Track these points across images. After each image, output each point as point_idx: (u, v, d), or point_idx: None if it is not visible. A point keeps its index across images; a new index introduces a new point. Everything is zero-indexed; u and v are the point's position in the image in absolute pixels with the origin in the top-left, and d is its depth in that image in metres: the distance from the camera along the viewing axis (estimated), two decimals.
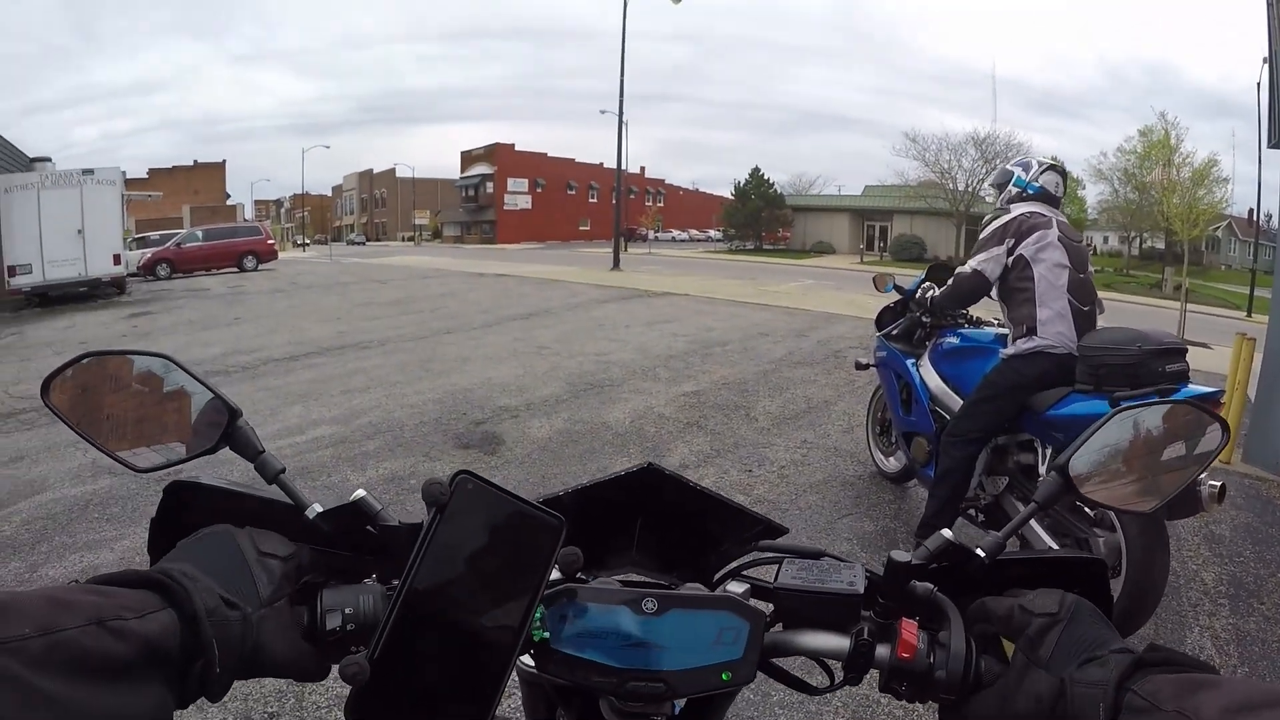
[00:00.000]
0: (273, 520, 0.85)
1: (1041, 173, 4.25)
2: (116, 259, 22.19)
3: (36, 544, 4.80)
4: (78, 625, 0.53)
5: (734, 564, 0.93)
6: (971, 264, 4.20)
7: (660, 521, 0.91)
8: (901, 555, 0.81)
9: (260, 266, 32.86)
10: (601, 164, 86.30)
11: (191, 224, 50.70)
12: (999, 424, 4.01)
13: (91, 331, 15.55)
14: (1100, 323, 4.08)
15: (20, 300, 21.25)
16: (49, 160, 25.89)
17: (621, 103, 31.48)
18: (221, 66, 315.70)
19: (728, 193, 66.78)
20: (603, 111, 43.26)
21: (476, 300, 17.88)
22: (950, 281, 4.50)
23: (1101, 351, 3.59)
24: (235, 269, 31.93)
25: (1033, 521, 3.64)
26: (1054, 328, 3.86)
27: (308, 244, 77.98)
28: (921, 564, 0.82)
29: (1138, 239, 64.94)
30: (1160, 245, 58.68)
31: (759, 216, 60.01)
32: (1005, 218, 4.15)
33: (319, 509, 0.85)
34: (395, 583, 0.75)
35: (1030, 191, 4.23)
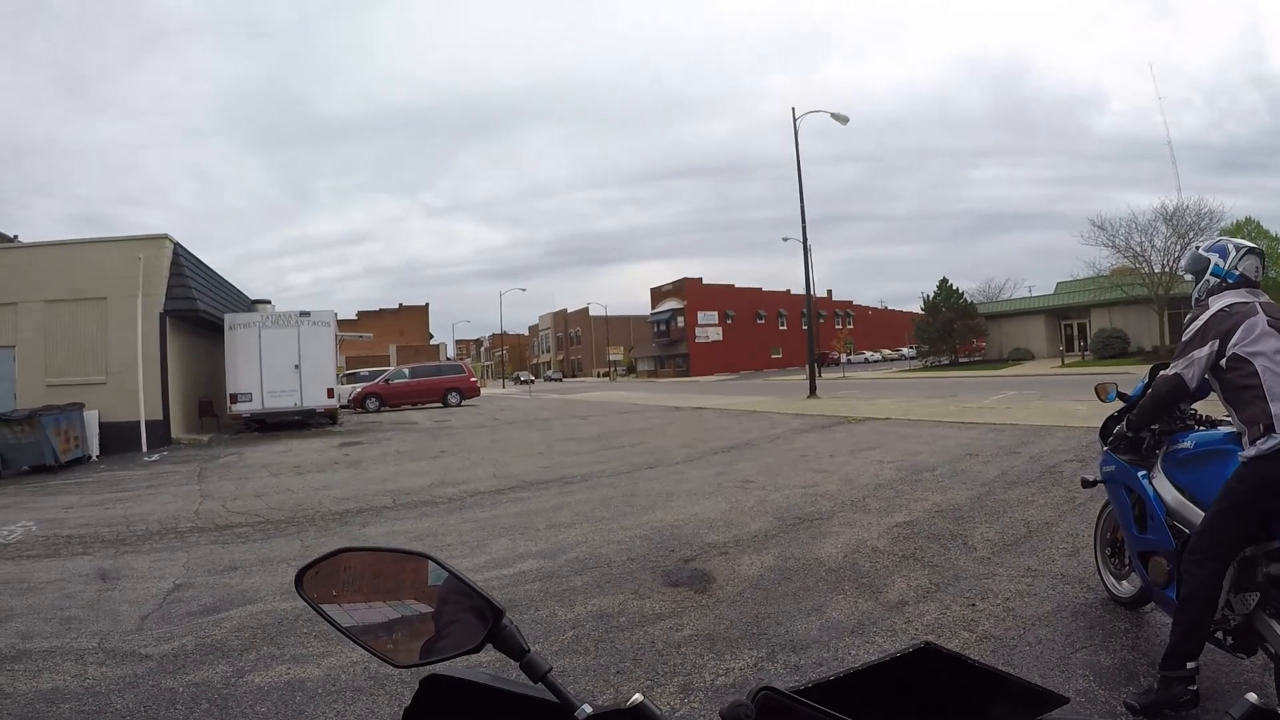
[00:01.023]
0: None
1: (1241, 258, 3.97)
2: (330, 392, 24.33)
3: (245, 651, 5.10)
4: None
5: None
6: (1173, 366, 3.97)
7: (930, 695, 0.88)
8: None
9: (464, 402, 34.45)
10: (788, 290, 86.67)
11: (398, 362, 53.72)
12: (1245, 535, 3.65)
13: (305, 457, 16.60)
14: None
15: (240, 424, 23.64)
16: (269, 302, 28.52)
17: (804, 226, 31.71)
18: (419, 219, 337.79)
19: (917, 308, 65.66)
20: (785, 239, 43.66)
21: (676, 434, 18.06)
22: (1150, 387, 4.30)
23: None
24: (440, 404, 33.66)
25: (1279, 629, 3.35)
26: None
27: (520, 378, 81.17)
28: None
29: None
30: None
31: (951, 329, 58.54)
32: (1205, 315, 3.89)
33: (589, 710, 0.84)
34: None
35: (1230, 280, 3.95)
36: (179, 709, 4.24)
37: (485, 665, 0.95)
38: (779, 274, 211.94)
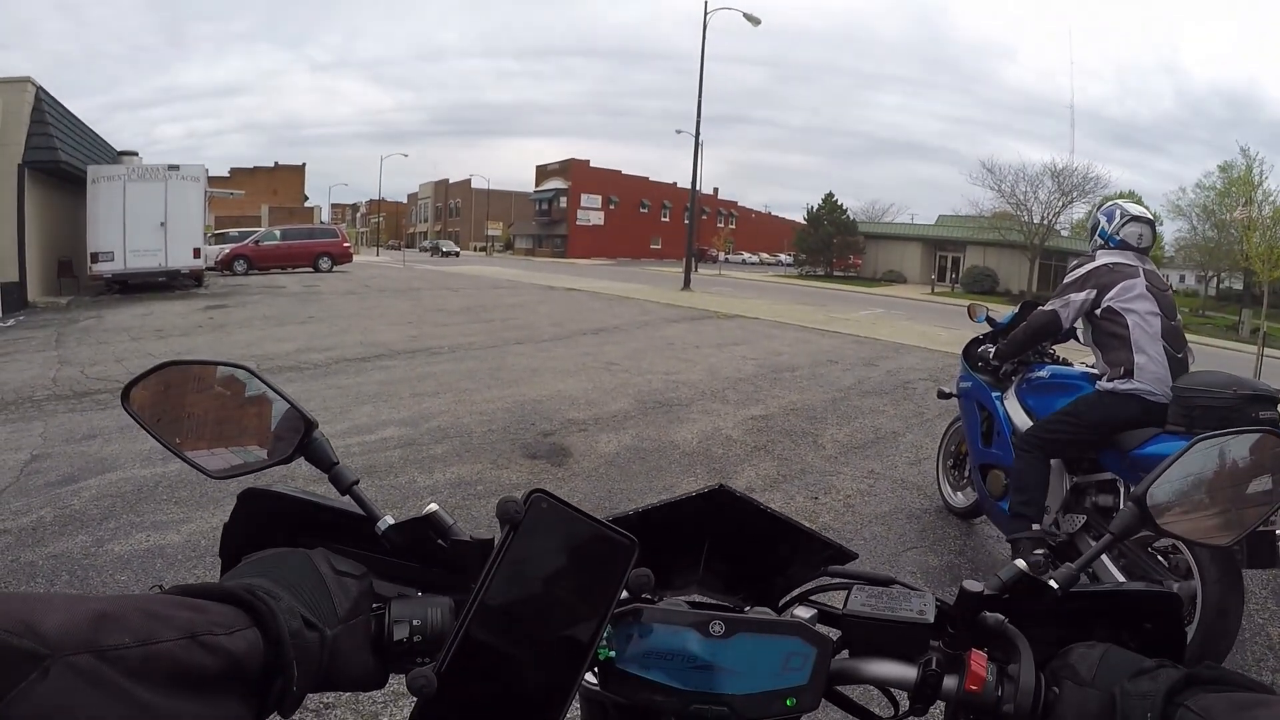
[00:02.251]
0: (345, 530, 0.88)
1: (1124, 224, 4.30)
2: (196, 253, 23.06)
3: (104, 520, 5.00)
4: (173, 638, 0.54)
5: (802, 588, 0.92)
6: (1052, 303, 4.29)
7: (728, 543, 0.90)
8: (974, 585, 0.79)
9: (335, 268, 33.52)
10: (675, 183, 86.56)
11: (270, 224, 51.89)
12: (1074, 446, 4.10)
13: (168, 320, 15.99)
14: (1191, 369, 4.09)
15: (101, 285, 22.16)
16: (136, 154, 26.76)
17: (698, 124, 31.52)
18: (303, 74, 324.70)
19: (800, 217, 66.53)
20: (678, 132, 43.30)
21: (547, 313, 18.05)
22: (1026, 320, 4.56)
23: (1196, 393, 3.62)
24: (311, 269, 32.63)
25: (1108, 562, 3.68)
26: (1151, 372, 3.91)
27: (395, 246, 79.57)
28: (994, 594, 0.80)
29: (1215, 279, 63.10)
30: (1239, 286, 56.88)
31: (831, 243, 59.66)
32: (1089, 265, 4.26)
33: (390, 521, 0.86)
34: (463, 597, 0.76)
35: (1111, 244, 4.30)
36: (39, 582, 4.10)
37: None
38: (668, 165, 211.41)
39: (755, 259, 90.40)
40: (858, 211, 67.13)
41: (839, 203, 61.52)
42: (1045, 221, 51.42)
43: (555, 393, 8.78)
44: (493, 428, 7.25)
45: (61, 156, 20.16)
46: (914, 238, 62.06)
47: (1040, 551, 3.97)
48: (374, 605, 0.81)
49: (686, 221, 38.08)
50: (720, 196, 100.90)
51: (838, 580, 0.91)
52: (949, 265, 58.85)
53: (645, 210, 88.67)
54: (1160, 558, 3.59)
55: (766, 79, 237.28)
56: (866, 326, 18.68)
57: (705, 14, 29.73)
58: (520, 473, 5.97)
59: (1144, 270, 4.16)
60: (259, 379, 0.96)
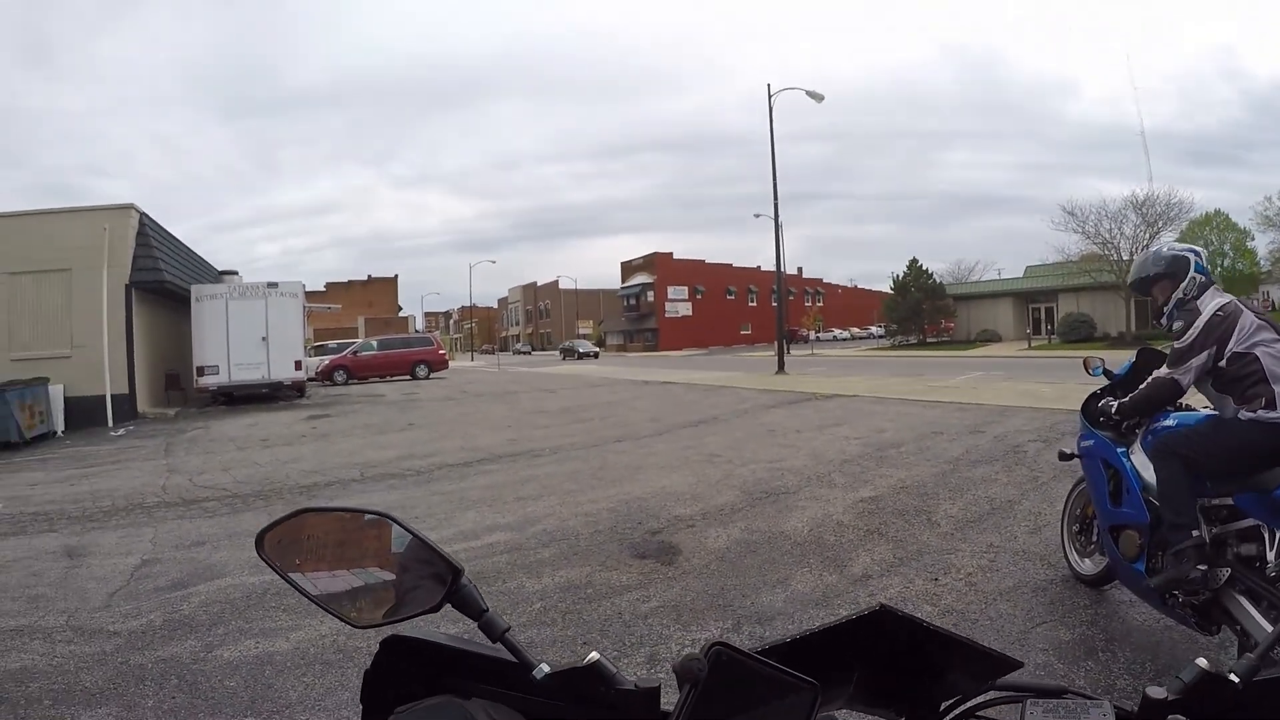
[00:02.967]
0: (496, 677, 0.87)
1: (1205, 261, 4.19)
2: (298, 365, 24.08)
3: (213, 626, 5.08)
4: None
5: (970, 703, 0.90)
6: (1173, 373, 4.09)
7: (887, 658, 0.89)
8: (1157, 692, 0.77)
9: (432, 375, 34.37)
10: (759, 267, 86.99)
11: (366, 334, 53.46)
12: (1211, 461, 3.82)
13: (273, 430, 16.49)
14: None
15: (207, 398, 23.26)
16: (236, 273, 28.16)
17: (776, 206, 31.77)
18: (388, 189, 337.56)
19: (886, 287, 66.01)
20: (757, 216, 43.51)
21: (644, 408, 18.09)
22: (1145, 384, 4.35)
23: None
24: (408, 377, 33.57)
25: (1254, 613, 3.48)
26: None
27: (489, 350, 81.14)
28: (1178, 698, 0.77)
29: None
30: None
31: (920, 309, 58.93)
32: (1202, 321, 4.00)
33: (547, 669, 0.86)
34: None
35: (1211, 282, 4.13)
36: (148, 685, 4.20)
37: (448, 629, 0.95)
38: (749, 250, 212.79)
39: (846, 334, 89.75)
40: (944, 274, 66.68)
41: (924, 267, 60.96)
42: (1135, 257, 50.21)
43: (659, 489, 8.73)
44: (599, 528, 7.22)
45: (165, 276, 21.53)
46: (1004, 293, 61.03)
47: (1203, 567, 3.66)
48: None
49: (774, 304, 38.12)
50: (805, 275, 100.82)
51: (1009, 694, 0.89)
52: (1043, 316, 57.60)
53: (732, 297, 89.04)
54: None
55: (833, 152, 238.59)
56: (967, 392, 18.29)
57: (770, 97, 30.13)
58: (630, 574, 5.91)
59: (1241, 302, 4.00)
60: (401, 525, 0.98)
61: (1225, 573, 3.70)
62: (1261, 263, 56.63)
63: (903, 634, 0.87)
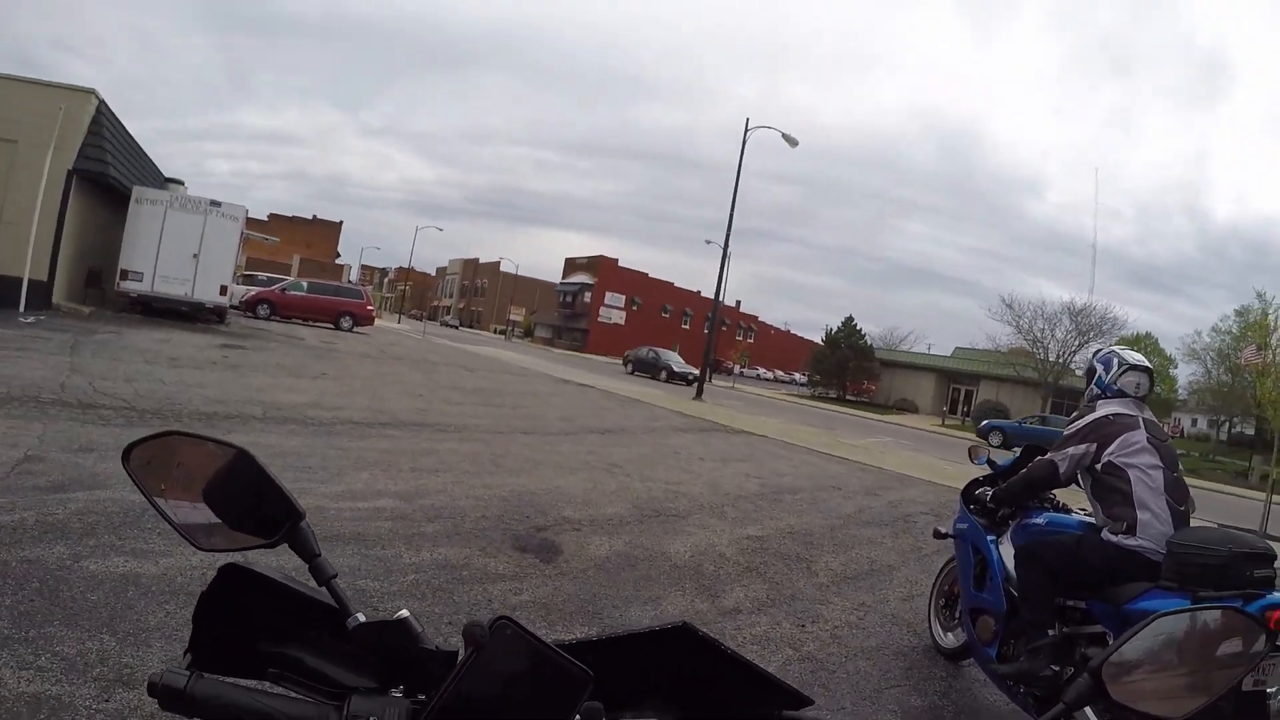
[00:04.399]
0: (315, 620, 0.92)
1: (1122, 373, 4.35)
2: (224, 290, 23.59)
3: (84, 536, 4.95)
4: None
5: None
6: (1053, 455, 4.31)
7: (687, 678, 0.93)
8: None
9: (355, 328, 33.95)
10: (699, 292, 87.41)
11: (299, 274, 52.56)
12: (1069, 573, 4.01)
13: (184, 351, 16.10)
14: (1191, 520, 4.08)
15: (125, 303, 22.70)
16: (182, 183, 27.41)
17: (728, 237, 32.01)
18: (354, 136, 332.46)
19: (819, 337, 66.95)
20: (708, 242, 44.13)
21: (557, 406, 18.06)
22: (1027, 466, 4.58)
23: (1190, 551, 3.58)
24: (331, 325, 33.08)
25: (1091, 714, 3.51)
26: (1154, 529, 3.86)
27: (417, 316, 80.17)
28: None
29: (1228, 424, 62.98)
30: (1251, 431, 56.65)
31: (847, 366, 59.87)
32: (1090, 416, 4.27)
33: (361, 619, 0.90)
34: (422, 702, 0.81)
35: (1108, 394, 4.36)
36: (7, 583, 4.06)
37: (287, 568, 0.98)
38: (695, 273, 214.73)
39: (770, 375, 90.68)
40: (876, 337, 67.75)
41: (858, 327, 62.10)
42: (1060, 360, 51.69)
43: (554, 488, 8.72)
44: (487, 514, 7.19)
45: (111, 171, 20.87)
46: (929, 368, 62.50)
47: (1055, 668, 3.89)
48: (333, 690, 0.86)
49: (706, 331, 38.36)
50: (742, 309, 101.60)
51: None
52: (961, 398, 58.98)
53: (667, 315, 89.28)
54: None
55: (799, 197, 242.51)
56: (874, 454, 18.61)
57: (745, 131, 30.38)
58: (508, 563, 5.90)
59: (1144, 420, 4.17)
60: (257, 463, 1.01)
61: (1070, 671, 3.90)
62: (1179, 391, 58.76)
63: (702, 654, 0.91)
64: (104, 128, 20.79)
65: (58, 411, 8.27)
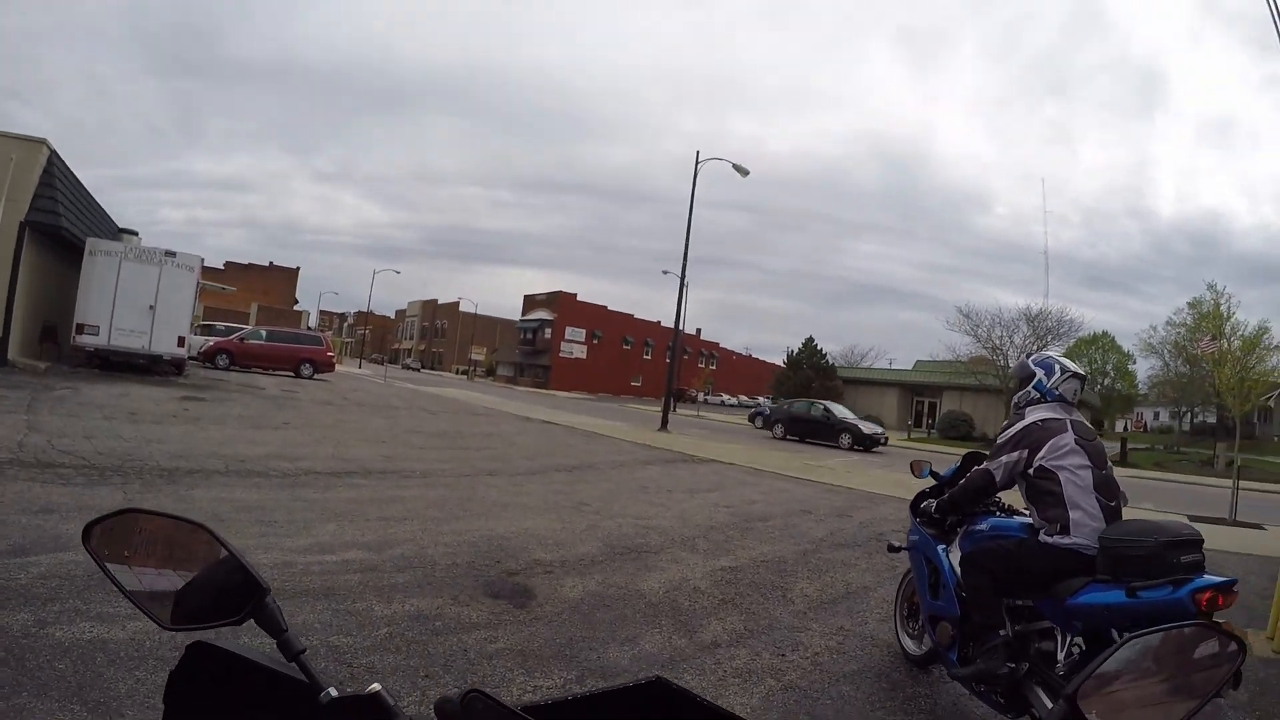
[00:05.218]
0: (288, 696, 0.90)
1: (1064, 380, 4.57)
2: (181, 341, 23.34)
3: (49, 601, 4.82)
4: None
5: None
6: (988, 464, 4.56)
7: None
8: None
9: (316, 375, 33.88)
10: (659, 322, 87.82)
11: (257, 322, 52.22)
12: (1011, 575, 4.26)
13: (143, 405, 15.90)
14: (1125, 513, 4.31)
15: (81, 358, 22.30)
16: (136, 234, 27.24)
17: (684, 268, 32.17)
18: (306, 180, 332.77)
19: (780, 360, 67.23)
20: (665, 272, 44.61)
21: (522, 445, 18.00)
22: (966, 477, 4.84)
23: (1119, 543, 3.83)
24: (292, 374, 32.96)
25: (1048, 702, 3.86)
26: (1086, 526, 4.05)
27: (378, 360, 79.66)
28: None
29: (1190, 414, 63.98)
30: (1212, 419, 57.58)
31: (810, 386, 60.07)
32: (1020, 424, 4.47)
33: (333, 694, 0.88)
34: None
35: (1049, 399, 4.55)
36: None
37: (254, 644, 0.95)
38: (653, 303, 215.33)
39: (735, 401, 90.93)
40: (837, 355, 68.35)
41: (818, 347, 62.45)
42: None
43: (523, 530, 8.64)
44: (457, 561, 7.10)
45: (63, 223, 20.58)
46: (892, 383, 63.05)
47: (1011, 665, 4.08)
48: None
49: (668, 360, 38.42)
50: (703, 337, 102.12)
51: None
52: (925, 410, 59.50)
53: (628, 346, 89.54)
54: None
55: (751, 224, 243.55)
56: (842, 475, 18.69)
57: (696, 164, 30.64)
58: (481, 611, 5.82)
59: (1071, 422, 4.37)
60: (218, 540, 1.01)
61: (1025, 666, 4.11)
62: (1140, 385, 59.59)
63: (677, 706, 0.89)
64: (55, 178, 20.53)
65: (15, 472, 8.11)
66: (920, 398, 60.59)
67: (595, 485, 12.90)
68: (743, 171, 31.25)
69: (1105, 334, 59.70)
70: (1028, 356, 4.99)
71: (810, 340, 62.46)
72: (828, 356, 63.41)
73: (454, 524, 8.58)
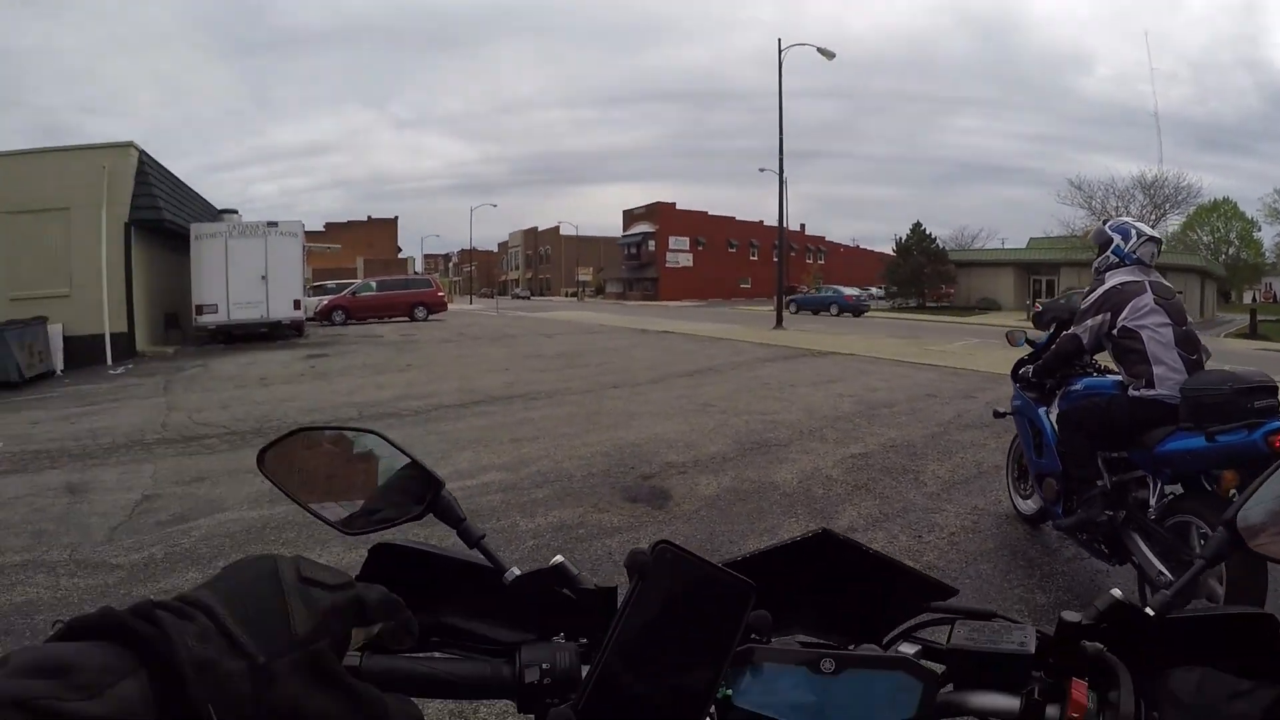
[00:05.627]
0: (470, 582, 0.93)
1: (1140, 244, 4.73)
2: (297, 304, 24.07)
3: (214, 558, 5.19)
4: None
5: (905, 625, 0.94)
6: (1075, 329, 4.82)
7: (833, 584, 0.94)
8: (1072, 615, 0.82)
9: (430, 317, 34.37)
10: (761, 222, 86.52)
11: (365, 275, 53.12)
12: (1104, 430, 4.56)
13: (271, 369, 16.57)
14: (1209, 365, 4.54)
15: (205, 336, 23.26)
16: (236, 212, 27.98)
17: (781, 160, 31.58)
18: (388, 131, 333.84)
19: (889, 249, 65.71)
20: (761, 170, 43.49)
21: (640, 356, 18.19)
22: (1056, 342, 5.15)
23: (1198, 393, 4.06)
24: (407, 318, 33.51)
25: (1145, 548, 4.20)
26: (1170, 380, 4.29)
27: (488, 294, 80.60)
28: (1091, 624, 0.82)
29: None
30: None
31: (921, 273, 58.65)
32: (1101, 289, 4.73)
33: (517, 572, 0.92)
34: (590, 642, 0.84)
35: (1128, 262, 4.74)
36: None
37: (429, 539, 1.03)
38: (753, 204, 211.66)
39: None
40: (947, 239, 66.29)
41: (927, 232, 60.45)
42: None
43: (653, 436, 8.84)
44: (592, 471, 7.34)
45: (165, 215, 21.46)
46: (1006, 263, 60.64)
47: (1109, 513, 4.43)
48: (499, 647, 0.88)
49: (775, 259, 38.00)
50: (807, 232, 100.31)
51: (940, 615, 0.94)
52: (1044, 288, 57.34)
53: (733, 250, 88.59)
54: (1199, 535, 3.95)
55: (842, 111, 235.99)
56: (963, 358, 18.35)
57: (780, 52, 29.85)
58: (621, 516, 6.04)
59: (1149, 283, 4.58)
60: (388, 441, 1.03)
61: (1122, 514, 4.43)
62: (1266, 254, 56.39)
63: (844, 557, 0.93)
64: (149, 175, 21.34)
65: (164, 449, 8.63)
66: (1037, 276, 58.34)
67: (718, 386, 13.03)
68: (828, 55, 30.24)
69: (1227, 200, 56.34)
70: (1104, 223, 5.15)
71: (918, 225, 60.61)
72: (937, 241, 61.62)
73: (585, 437, 8.82)
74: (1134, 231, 4.77)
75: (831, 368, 15.99)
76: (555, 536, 5.56)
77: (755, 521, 5.93)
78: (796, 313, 48.64)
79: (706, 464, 7.59)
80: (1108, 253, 4.83)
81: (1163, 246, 4.99)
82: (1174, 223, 51.39)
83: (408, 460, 1.02)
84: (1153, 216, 48.77)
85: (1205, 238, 56.60)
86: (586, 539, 5.52)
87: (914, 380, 13.91)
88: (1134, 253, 4.71)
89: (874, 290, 73.27)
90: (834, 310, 48.31)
